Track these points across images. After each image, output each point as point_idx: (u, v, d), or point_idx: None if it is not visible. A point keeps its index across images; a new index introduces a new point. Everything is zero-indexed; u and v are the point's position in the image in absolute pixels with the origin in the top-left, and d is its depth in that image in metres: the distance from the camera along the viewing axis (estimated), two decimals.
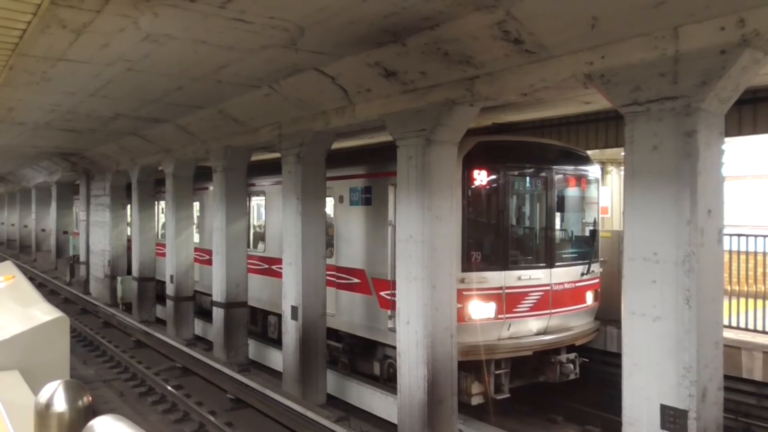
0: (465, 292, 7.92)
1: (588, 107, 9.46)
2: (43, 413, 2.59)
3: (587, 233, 9.47)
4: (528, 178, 8.97)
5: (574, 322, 8.90)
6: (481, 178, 8.23)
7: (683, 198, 4.66)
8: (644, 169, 4.91)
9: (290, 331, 9.39)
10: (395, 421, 7.43)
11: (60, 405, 2.57)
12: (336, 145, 10.16)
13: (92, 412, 2.52)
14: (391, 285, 8.45)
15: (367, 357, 9.62)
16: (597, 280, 9.32)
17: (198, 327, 14.11)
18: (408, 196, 7.05)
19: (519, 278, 8.26)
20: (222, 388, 9.90)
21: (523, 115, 10.01)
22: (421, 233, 6.88)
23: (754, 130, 7.61)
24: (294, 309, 9.30)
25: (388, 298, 8.70)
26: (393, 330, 8.37)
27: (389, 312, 8.65)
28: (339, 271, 9.87)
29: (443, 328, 6.97)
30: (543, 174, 8.81)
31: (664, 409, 4.75)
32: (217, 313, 11.58)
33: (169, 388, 9.88)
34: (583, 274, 8.95)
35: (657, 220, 4.82)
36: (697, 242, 4.65)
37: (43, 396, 2.62)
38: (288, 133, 9.31)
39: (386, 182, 8.81)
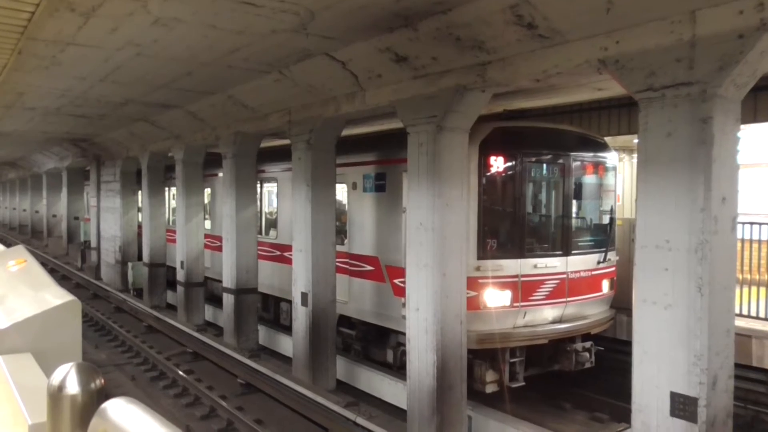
0: (480, 280, 7.86)
1: (600, 94, 9.34)
2: (56, 395, 2.60)
3: (604, 221, 9.33)
4: (545, 165, 8.82)
5: (589, 310, 8.81)
6: (497, 164, 8.11)
7: (697, 185, 4.61)
8: (658, 156, 4.85)
9: (300, 317, 9.44)
10: (405, 407, 7.47)
11: (73, 387, 2.57)
12: (348, 132, 10.12)
13: (105, 395, 2.53)
14: (405, 272, 8.43)
15: (380, 344, 9.60)
16: (613, 269, 9.24)
17: (209, 313, 14.22)
18: (418, 183, 7.02)
19: (535, 266, 8.17)
20: (232, 373, 10.01)
21: (535, 102, 9.91)
22: (432, 221, 6.86)
23: None
24: (304, 295, 9.33)
25: (402, 285, 8.59)
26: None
27: (403, 299, 8.57)
28: (352, 258, 9.81)
29: (453, 315, 6.97)
30: (560, 161, 8.66)
31: (674, 397, 4.74)
32: (228, 299, 11.65)
33: (181, 372, 10.00)
34: (599, 262, 8.85)
35: (670, 207, 4.78)
36: (711, 230, 4.60)
37: (56, 378, 2.62)
38: (298, 120, 9.29)
39: (400, 169, 8.69)
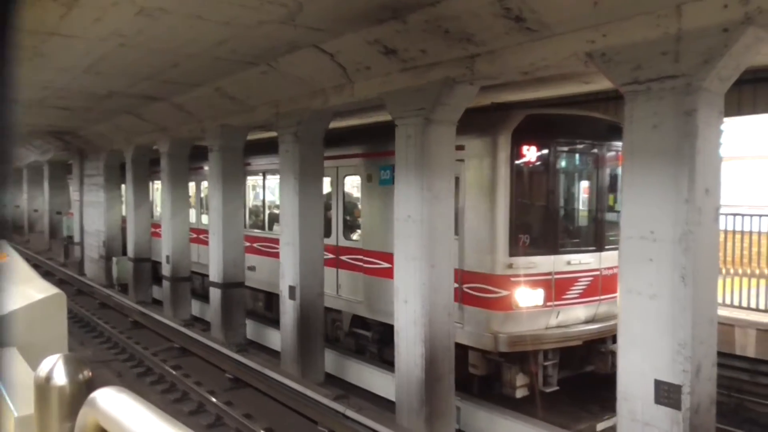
0: (512, 279, 7.51)
1: (587, 87, 9.41)
2: (43, 387, 2.57)
3: None
4: (578, 155, 8.38)
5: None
6: (530, 154, 7.67)
7: (682, 177, 4.68)
8: (643, 148, 4.92)
9: (288, 310, 9.43)
10: (394, 399, 7.50)
11: (60, 378, 2.55)
12: (337, 124, 9.99)
13: (92, 386, 2.51)
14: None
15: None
16: None
17: (195, 307, 14.14)
18: (407, 175, 7.04)
19: (568, 263, 7.75)
20: (220, 367, 9.97)
21: (522, 95, 9.95)
22: (420, 213, 6.88)
23: (754, 110, 7.59)
24: (292, 289, 9.32)
25: None
26: None
27: None
28: (366, 255, 9.37)
29: (441, 307, 7.01)
30: (594, 150, 8.21)
31: (659, 385, 4.82)
32: (215, 294, 11.60)
33: (168, 368, 9.94)
34: None
35: (655, 198, 4.84)
36: (695, 221, 4.68)
37: (43, 370, 2.59)
38: (285, 112, 9.26)
39: None
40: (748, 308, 8.67)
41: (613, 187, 8.41)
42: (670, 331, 4.76)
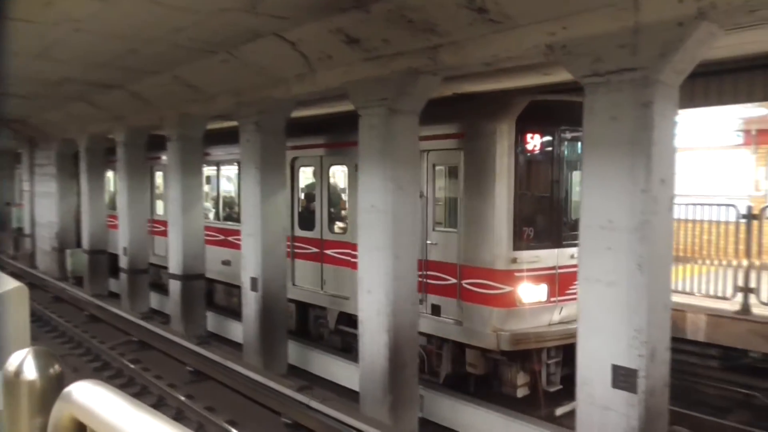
0: (516, 274, 7.21)
1: (548, 78, 9.55)
2: (13, 382, 2.49)
3: None
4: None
5: None
6: (534, 142, 7.37)
7: (638, 167, 4.82)
8: (602, 139, 5.04)
9: (250, 302, 9.33)
10: (358, 389, 7.53)
11: (30, 373, 2.48)
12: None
13: (63, 380, 2.45)
14: (423, 265, 7.87)
15: None
16: None
17: (154, 300, 13.84)
18: (370, 166, 7.03)
19: (572, 256, 7.26)
20: (181, 361, 9.80)
21: (484, 86, 10.02)
22: (384, 203, 6.89)
23: (706, 102, 7.85)
24: (254, 280, 9.23)
25: (419, 279, 7.76)
26: (424, 315, 7.91)
27: (420, 295, 7.80)
28: (354, 248, 8.49)
29: (405, 297, 7.05)
30: None
31: (616, 369, 4.97)
32: (174, 286, 11.38)
33: (126, 362, 9.72)
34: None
35: (613, 189, 4.97)
36: (651, 210, 4.83)
37: (12, 364, 2.51)
38: (246, 101, 9.11)
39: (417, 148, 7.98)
40: (700, 294, 9.02)
41: None
42: (627, 318, 4.92)
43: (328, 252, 9.79)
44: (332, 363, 9.37)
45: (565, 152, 7.83)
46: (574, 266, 7.17)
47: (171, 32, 7.14)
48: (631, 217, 4.86)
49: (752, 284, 8.63)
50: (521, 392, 7.49)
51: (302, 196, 10.74)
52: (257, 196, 9.06)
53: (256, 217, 9.11)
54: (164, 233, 13.50)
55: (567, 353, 7.55)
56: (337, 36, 6.67)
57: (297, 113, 9.97)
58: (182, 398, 8.10)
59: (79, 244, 16.27)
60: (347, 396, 8.06)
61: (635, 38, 4.67)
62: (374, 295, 7.05)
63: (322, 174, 10.07)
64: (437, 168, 8.29)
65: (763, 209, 9.46)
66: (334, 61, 7.20)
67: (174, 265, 11.36)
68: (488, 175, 7.43)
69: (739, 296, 8.57)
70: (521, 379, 7.50)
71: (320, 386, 8.46)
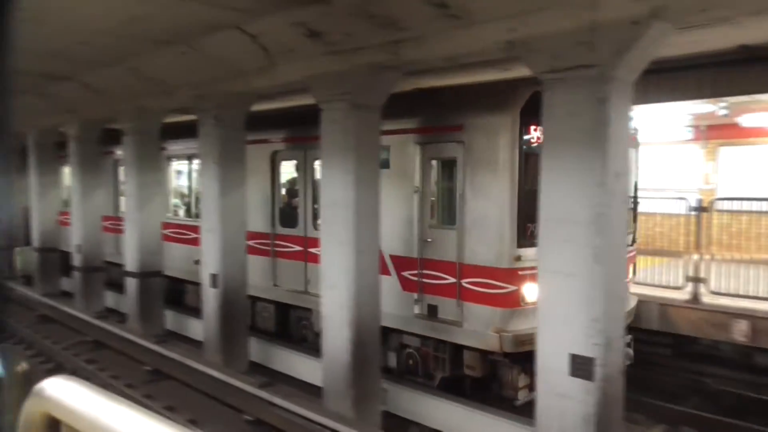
0: (521, 272, 6.96)
1: (508, 74, 9.68)
2: None
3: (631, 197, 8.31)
4: None
5: None
6: (539, 134, 6.77)
7: (595, 162, 4.95)
8: (560, 135, 5.15)
9: (210, 299, 9.19)
10: (321, 384, 7.51)
11: None
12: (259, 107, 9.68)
13: (32, 378, 2.37)
14: (419, 263, 7.72)
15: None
16: (635, 252, 8.26)
17: (110, 299, 13.46)
18: (332, 160, 7.01)
19: None
20: (139, 360, 9.57)
21: (444, 81, 10.09)
22: (346, 198, 6.88)
23: (658, 99, 8.11)
24: (214, 277, 9.09)
25: (414, 279, 7.72)
26: (420, 316, 7.69)
27: (415, 295, 7.71)
28: None
29: (368, 291, 7.06)
30: None
31: (574, 358, 5.10)
32: (131, 283, 11.11)
33: (81, 362, 9.44)
34: (628, 245, 7.74)
35: (571, 183, 5.09)
36: (607, 203, 4.97)
37: None
38: (205, 94, 8.93)
39: (410, 139, 7.72)
40: (652, 285, 9.34)
41: None
42: (584, 308, 5.05)
43: (313, 251, 9.09)
44: (295, 359, 9.32)
45: None
46: None
47: (125, 23, 6.94)
48: (588, 210, 4.99)
49: (702, 274, 9.00)
50: (522, 395, 7.17)
51: (284, 191, 10.26)
52: (216, 192, 8.92)
53: (215, 213, 8.97)
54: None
55: None
56: (298, 29, 6.61)
57: (277, 104, 9.77)
58: (140, 398, 7.91)
59: (28, 242, 15.69)
60: (311, 392, 8.03)
61: (592, 36, 4.79)
62: (337, 290, 7.04)
63: (305, 168, 9.55)
64: (433, 162, 7.92)
65: (711, 202, 9.87)
66: (295, 54, 7.13)
67: (130, 262, 11.08)
68: (490, 169, 7.15)
69: (690, 286, 8.92)
70: (522, 381, 7.22)
71: (283, 383, 8.41)
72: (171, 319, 11.70)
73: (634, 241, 8.10)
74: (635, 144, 8.19)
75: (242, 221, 9.22)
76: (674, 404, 8.02)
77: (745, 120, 11.12)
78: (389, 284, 7.90)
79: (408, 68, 6.73)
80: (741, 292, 8.66)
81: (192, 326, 11.30)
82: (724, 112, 10.46)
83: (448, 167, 7.76)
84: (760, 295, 8.48)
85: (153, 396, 8.03)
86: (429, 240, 7.83)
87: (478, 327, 7.23)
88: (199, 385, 8.37)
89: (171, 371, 8.93)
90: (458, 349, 7.58)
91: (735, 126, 11.56)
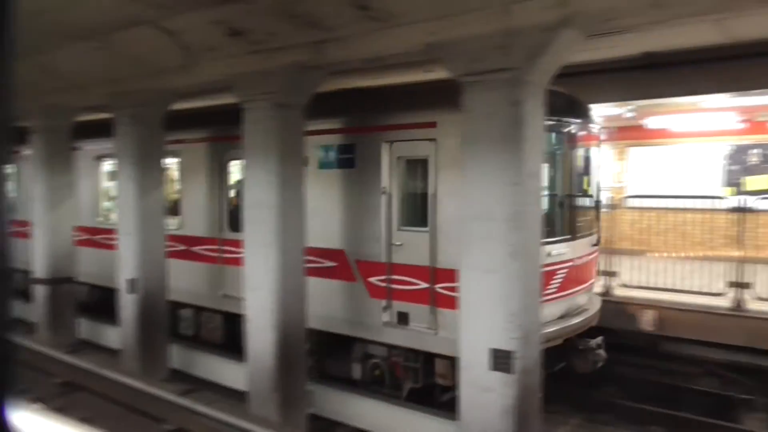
0: None
1: (429, 76, 9.86)
2: None
3: (594, 198, 8.23)
4: (554, 134, 7.26)
5: (582, 300, 7.65)
6: None
7: (511, 162, 5.15)
8: (479, 135, 5.33)
9: (128, 305, 8.81)
10: (245, 389, 7.37)
11: None
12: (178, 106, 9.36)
13: None
14: (387, 268, 7.30)
15: (340, 357, 7.96)
16: (597, 253, 8.18)
17: (16, 308, 12.60)
18: (256, 160, 6.91)
19: (549, 254, 6.67)
20: (49, 372, 9.03)
21: (368, 81, 10.16)
22: (270, 199, 6.79)
23: (595, 100, 8.53)
24: (132, 282, 8.72)
25: (382, 285, 7.33)
26: (390, 324, 7.27)
27: (383, 302, 7.30)
28: (306, 252, 7.67)
29: (293, 293, 7.00)
30: (566, 129, 7.27)
31: (494, 352, 5.28)
32: (40, 291, 10.47)
33: None
34: (593, 245, 7.81)
35: (489, 182, 5.28)
36: (522, 202, 5.18)
37: None
38: (121, 92, 8.56)
39: (379, 138, 7.37)
40: None
41: (586, 169, 7.84)
42: (503, 303, 5.24)
43: None
44: (218, 364, 9.08)
45: (554, 142, 7.35)
46: (551, 264, 6.77)
47: (30, 15, 6.51)
48: (506, 209, 5.19)
49: (613, 268, 9.55)
50: None
51: (232, 193, 9.51)
52: (133, 193, 8.57)
53: (132, 215, 8.62)
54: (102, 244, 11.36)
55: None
56: (220, 27, 6.47)
57: (225, 101, 9.32)
58: (52, 413, 7.47)
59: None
60: (235, 398, 7.85)
61: (507, 40, 4.99)
62: (261, 291, 6.94)
63: None
64: (403, 161, 7.45)
65: (621, 199, 10.50)
66: (217, 53, 6.97)
67: (39, 268, 10.45)
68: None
69: (602, 280, 9.42)
70: None
71: (206, 389, 8.18)
72: (85, 327, 11.10)
73: (598, 241, 8.15)
74: (597, 143, 8.17)
75: (161, 224, 8.90)
76: (592, 393, 8.37)
77: (650, 122, 11.91)
78: (354, 291, 7.56)
79: (332, 68, 6.73)
80: (650, 284, 9.24)
81: (108, 334, 10.77)
82: (630, 114, 11.15)
83: (420, 166, 7.34)
84: (667, 286, 9.08)
85: (66, 409, 7.59)
86: (398, 243, 7.37)
87: (454, 334, 6.55)
88: (116, 396, 8.01)
89: (85, 382, 8.50)
90: (429, 357, 7.23)
91: (641, 128, 12.34)
